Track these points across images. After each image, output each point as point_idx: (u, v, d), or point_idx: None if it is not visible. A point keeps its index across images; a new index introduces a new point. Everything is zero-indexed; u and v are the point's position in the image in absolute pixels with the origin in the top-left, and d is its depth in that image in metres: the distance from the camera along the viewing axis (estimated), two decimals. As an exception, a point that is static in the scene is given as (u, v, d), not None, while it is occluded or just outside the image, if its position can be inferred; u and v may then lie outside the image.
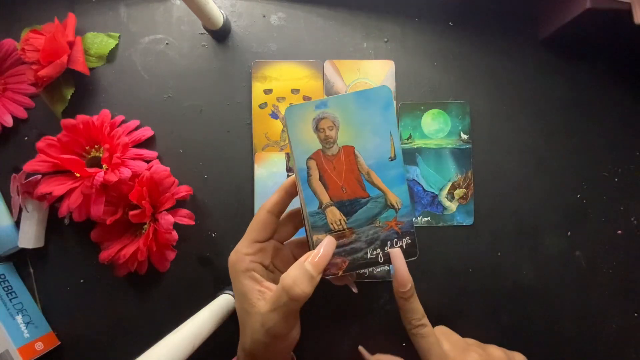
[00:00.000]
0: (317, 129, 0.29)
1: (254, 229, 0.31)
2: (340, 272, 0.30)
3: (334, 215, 0.30)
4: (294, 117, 0.29)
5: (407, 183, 0.43)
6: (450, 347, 0.34)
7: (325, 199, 0.30)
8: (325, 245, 0.29)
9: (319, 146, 0.29)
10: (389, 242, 0.30)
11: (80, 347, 0.43)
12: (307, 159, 0.29)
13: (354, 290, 0.35)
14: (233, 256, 0.31)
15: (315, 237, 0.30)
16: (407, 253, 0.31)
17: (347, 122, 0.29)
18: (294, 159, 0.29)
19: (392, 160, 0.29)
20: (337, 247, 0.30)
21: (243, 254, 0.31)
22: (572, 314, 0.44)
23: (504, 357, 0.35)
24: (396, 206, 0.30)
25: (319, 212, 0.30)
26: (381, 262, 0.30)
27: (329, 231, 0.30)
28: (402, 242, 0.30)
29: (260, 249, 0.31)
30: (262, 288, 0.30)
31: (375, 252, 0.30)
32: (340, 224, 0.30)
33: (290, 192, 0.32)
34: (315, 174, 0.29)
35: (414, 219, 0.31)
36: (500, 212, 0.44)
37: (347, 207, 0.30)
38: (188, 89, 0.44)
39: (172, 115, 0.44)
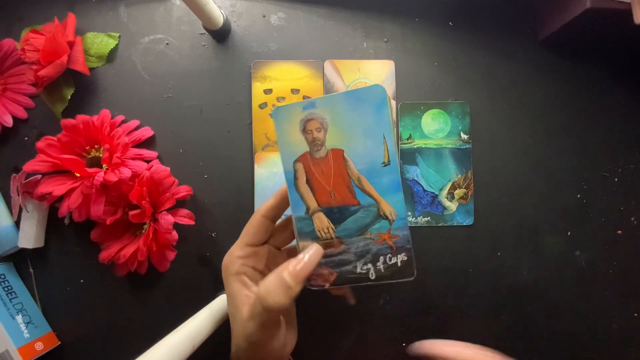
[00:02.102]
0: (304, 130, 0.27)
1: (247, 233, 0.31)
2: (328, 285, 0.28)
3: (322, 221, 0.28)
4: (281, 118, 0.27)
5: (410, 185, 0.43)
6: None
7: (313, 204, 0.28)
8: (310, 254, 0.27)
9: (307, 148, 0.28)
10: (382, 257, 0.28)
11: (80, 347, 0.43)
12: (294, 162, 0.28)
13: (351, 301, 0.34)
14: (226, 258, 0.31)
15: (301, 244, 0.28)
16: (402, 272, 0.28)
17: (337, 123, 0.27)
18: (281, 161, 0.28)
19: (385, 165, 0.27)
20: (325, 257, 0.28)
21: (235, 257, 0.30)
22: (572, 314, 0.44)
23: None
24: (390, 217, 0.28)
25: (306, 217, 0.28)
26: (372, 279, 0.28)
27: (316, 238, 0.28)
28: (397, 259, 0.28)
29: (253, 253, 0.31)
30: (250, 293, 0.29)
31: (365, 267, 0.28)
32: (328, 231, 0.28)
33: (287, 197, 0.30)
34: (302, 178, 0.28)
35: (410, 233, 0.28)
36: (500, 212, 0.44)
37: (336, 215, 0.28)
38: (188, 89, 0.44)
39: (172, 115, 0.44)
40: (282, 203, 0.31)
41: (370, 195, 0.28)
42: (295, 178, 0.28)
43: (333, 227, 0.28)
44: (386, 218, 0.28)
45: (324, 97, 0.27)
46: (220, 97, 0.44)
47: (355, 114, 0.27)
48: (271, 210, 0.31)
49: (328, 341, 0.43)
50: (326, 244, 0.28)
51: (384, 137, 0.27)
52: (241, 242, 0.31)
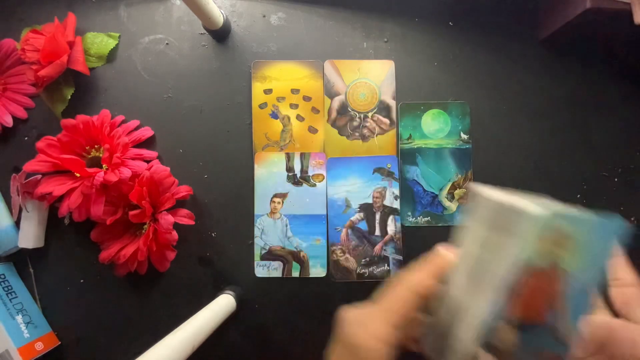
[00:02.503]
0: (546, 240, 0.25)
1: (394, 310, 0.24)
2: None
3: (506, 333, 0.25)
4: (532, 220, 0.25)
5: (409, 185, 0.43)
6: None
7: (511, 312, 0.25)
8: None
9: (536, 256, 0.25)
10: None
11: (80, 347, 0.43)
12: (518, 264, 0.25)
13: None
14: (362, 336, 0.24)
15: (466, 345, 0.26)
16: None
17: (577, 245, 0.25)
18: (506, 257, 0.25)
19: (588, 297, 0.26)
20: None
21: (379, 340, 0.23)
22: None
23: None
24: (569, 344, 0.26)
25: (494, 322, 0.25)
26: None
27: (488, 345, 0.25)
28: None
29: (397, 337, 0.24)
30: None
31: None
32: (509, 344, 0.26)
33: (445, 276, 0.26)
34: (511, 281, 0.25)
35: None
36: (500, 212, 0.44)
37: (520, 327, 0.26)
38: (188, 89, 0.44)
39: (172, 115, 0.44)
40: (436, 283, 0.25)
41: (561, 320, 0.26)
42: (504, 279, 0.25)
43: (516, 340, 0.26)
44: (565, 344, 0.26)
45: (583, 215, 0.25)
46: (220, 97, 0.44)
47: (599, 243, 0.26)
48: (424, 289, 0.25)
49: (329, 341, 0.43)
50: (497, 353, 0.26)
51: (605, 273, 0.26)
52: (385, 320, 0.24)
